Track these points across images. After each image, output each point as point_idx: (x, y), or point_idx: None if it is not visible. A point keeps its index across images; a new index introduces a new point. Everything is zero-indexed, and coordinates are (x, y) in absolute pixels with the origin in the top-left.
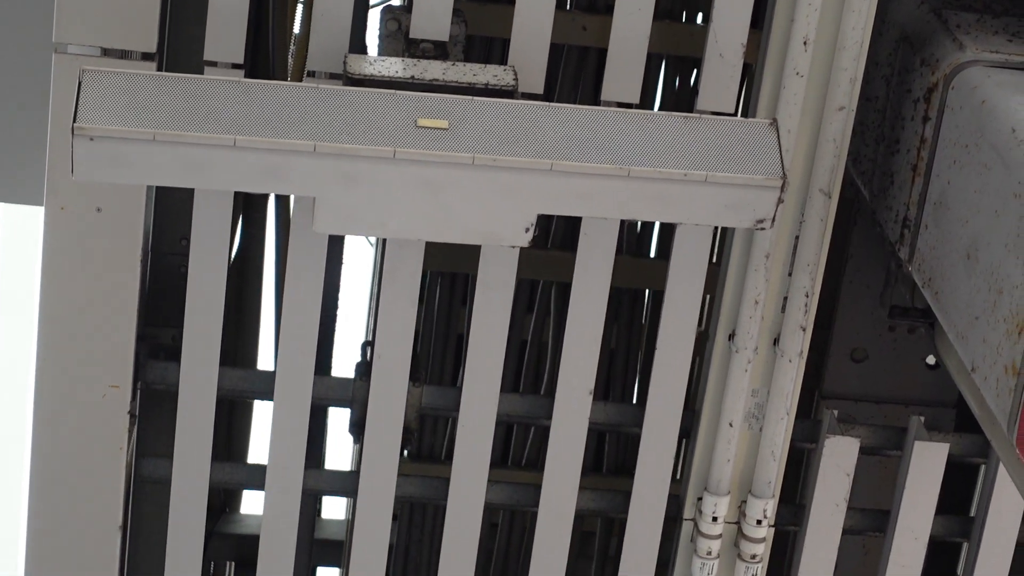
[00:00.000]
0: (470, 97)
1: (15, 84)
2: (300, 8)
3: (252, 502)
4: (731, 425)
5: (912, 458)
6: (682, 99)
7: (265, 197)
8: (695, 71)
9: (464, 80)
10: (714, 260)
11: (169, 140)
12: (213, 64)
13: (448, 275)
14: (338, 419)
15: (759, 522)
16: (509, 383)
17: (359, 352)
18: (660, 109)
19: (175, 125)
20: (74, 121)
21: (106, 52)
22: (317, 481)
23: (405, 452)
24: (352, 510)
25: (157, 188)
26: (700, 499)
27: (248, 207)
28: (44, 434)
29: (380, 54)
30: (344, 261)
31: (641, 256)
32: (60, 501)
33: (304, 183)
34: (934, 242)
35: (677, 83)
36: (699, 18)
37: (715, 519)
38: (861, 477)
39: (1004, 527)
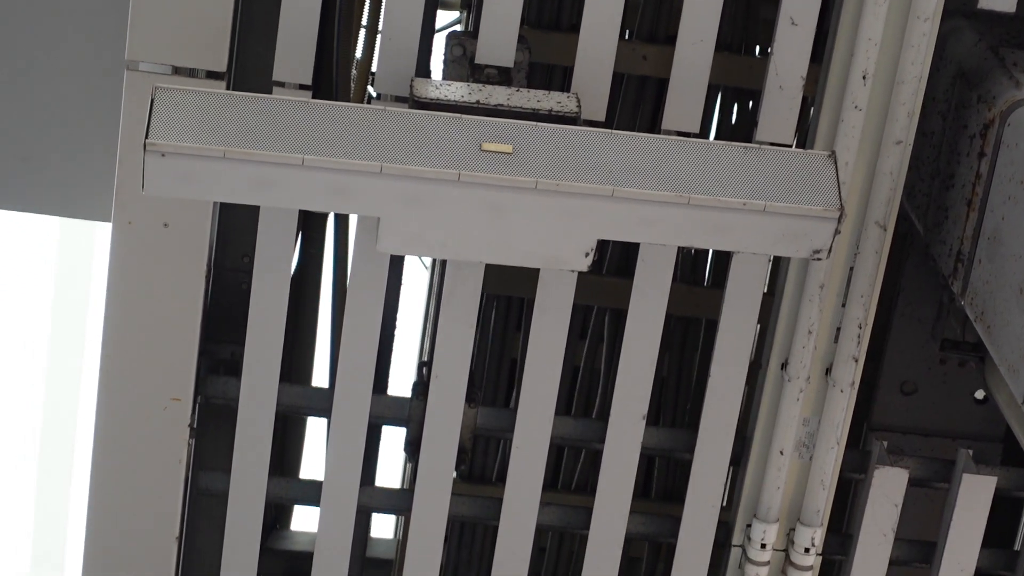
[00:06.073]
0: (534, 123)
1: (76, 101)
2: (363, 33)
3: (302, 520)
4: (782, 453)
5: (960, 490)
6: (738, 129)
7: (324, 216)
8: (752, 102)
9: (528, 106)
10: (766, 291)
11: (239, 158)
12: (281, 84)
13: (504, 299)
14: (389, 437)
15: (807, 550)
16: (561, 408)
17: (415, 372)
18: (716, 139)
19: (244, 143)
20: (146, 137)
21: (176, 70)
22: (371, 499)
23: (456, 472)
24: (404, 528)
25: (221, 206)
26: (749, 526)
27: (307, 226)
28: (105, 443)
29: (444, 78)
30: (403, 281)
31: (696, 284)
32: (119, 509)
33: (369, 203)
34: (987, 277)
35: (735, 113)
36: (757, 51)
37: (764, 546)
38: (907, 508)
39: None
